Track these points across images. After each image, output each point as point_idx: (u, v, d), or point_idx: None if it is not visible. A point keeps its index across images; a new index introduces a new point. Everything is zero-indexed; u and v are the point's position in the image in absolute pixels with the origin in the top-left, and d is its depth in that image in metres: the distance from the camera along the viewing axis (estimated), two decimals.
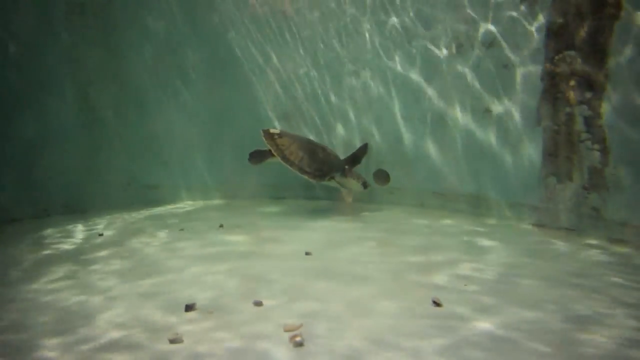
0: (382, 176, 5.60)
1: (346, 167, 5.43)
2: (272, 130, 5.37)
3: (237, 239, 4.61)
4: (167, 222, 5.37)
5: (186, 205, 6.31)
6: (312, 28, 6.00)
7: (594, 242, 4.22)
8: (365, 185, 5.44)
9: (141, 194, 6.28)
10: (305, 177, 5.24)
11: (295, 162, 5.19)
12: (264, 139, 5.29)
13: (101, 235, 4.98)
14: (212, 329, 2.73)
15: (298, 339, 2.55)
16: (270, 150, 5.27)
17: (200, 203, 6.39)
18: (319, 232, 4.84)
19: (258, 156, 5.53)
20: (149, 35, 6.14)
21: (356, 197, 5.65)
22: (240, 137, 6.28)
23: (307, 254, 4.06)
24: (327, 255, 4.04)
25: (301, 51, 6.08)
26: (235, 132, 6.35)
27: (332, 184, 5.48)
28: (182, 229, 5.03)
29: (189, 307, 3.02)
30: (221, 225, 5.09)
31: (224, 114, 6.37)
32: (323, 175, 5.28)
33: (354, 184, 5.51)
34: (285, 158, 5.20)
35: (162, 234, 4.91)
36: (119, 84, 6.08)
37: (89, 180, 5.99)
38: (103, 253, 4.35)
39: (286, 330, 2.68)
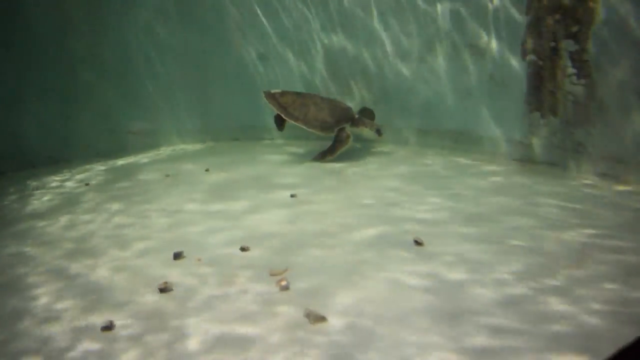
0: (367, 114, 5.56)
1: (356, 116, 5.35)
2: (273, 91, 5.35)
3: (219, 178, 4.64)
4: (154, 167, 5.37)
5: (173, 149, 6.28)
6: None
7: (577, 175, 4.26)
8: (379, 132, 5.35)
9: (126, 141, 6.24)
10: (313, 130, 5.21)
11: (300, 117, 5.17)
12: (266, 100, 5.27)
13: (87, 185, 4.98)
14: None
15: (284, 283, 2.62)
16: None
17: (186, 147, 6.36)
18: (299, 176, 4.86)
19: (279, 120, 5.46)
20: None
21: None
22: (223, 80, 6.19)
23: (292, 196, 4.12)
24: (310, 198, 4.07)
25: None
26: (219, 75, 6.26)
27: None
28: (167, 175, 5.04)
29: (176, 255, 3.08)
30: (207, 169, 5.10)
31: (207, 58, 6.25)
32: (330, 127, 5.22)
33: (366, 132, 5.50)
34: (289, 114, 5.19)
35: (151, 177, 4.92)
36: (97, 31, 5.92)
37: (72, 130, 5.92)
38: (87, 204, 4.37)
39: (272, 275, 2.74)
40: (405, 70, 5.46)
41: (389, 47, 5.49)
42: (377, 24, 5.50)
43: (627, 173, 4.02)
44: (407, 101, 5.51)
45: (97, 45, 5.99)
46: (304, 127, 5.21)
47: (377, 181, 4.45)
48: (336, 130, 5.24)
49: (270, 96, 5.28)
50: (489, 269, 2.68)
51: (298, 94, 5.37)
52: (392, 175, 4.59)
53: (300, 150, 5.76)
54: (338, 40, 5.79)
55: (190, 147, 6.40)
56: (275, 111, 5.28)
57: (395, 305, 2.38)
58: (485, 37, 4.86)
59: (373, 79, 5.67)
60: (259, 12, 6.05)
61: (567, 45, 4.26)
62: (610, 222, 3.29)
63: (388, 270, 2.72)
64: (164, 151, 6.26)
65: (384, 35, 5.49)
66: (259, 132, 6.38)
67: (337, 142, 5.21)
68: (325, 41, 5.86)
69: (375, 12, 5.49)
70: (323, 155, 5.23)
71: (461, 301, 2.39)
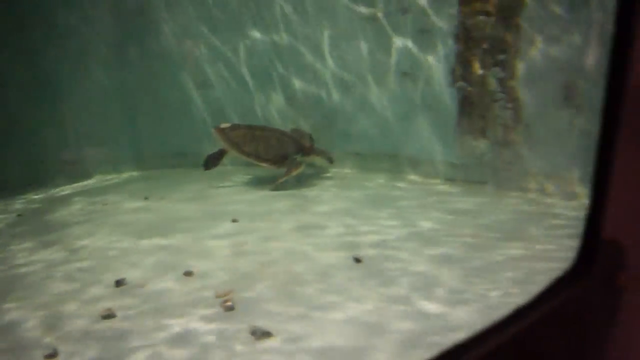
0: (299, 133, 5.56)
1: (307, 145, 5.31)
2: (222, 126, 5.27)
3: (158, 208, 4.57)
4: (89, 197, 5.22)
5: (108, 178, 6.13)
6: None
7: (507, 192, 4.51)
8: (330, 159, 5.37)
9: (60, 170, 6.04)
10: (265, 165, 5.18)
11: (252, 152, 5.13)
12: (217, 136, 5.19)
13: (20, 216, 4.77)
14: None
15: (229, 303, 2.66)
16: (224, 146, 5.21)
17: (121, 175, 6.22)
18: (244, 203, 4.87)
19: (213, 159, 5.37)
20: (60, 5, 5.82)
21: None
22: (159, 107, 6.15)
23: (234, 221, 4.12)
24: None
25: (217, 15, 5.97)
26: (155, 103, 6.21)
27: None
28: (105, 204, 4.91)
29: (118, 283, 3.03)
30: (146, 197, 5.01)
31: (143, 86, 6.19)
32: (283, 160, 5.18)
33: (318, 161, 5.50)
34: (242, 151, 5.13)
35: (85, 208, 4.78)
36: (27, 62, 5.76)
37: (3, 159, 5.67)
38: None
39: (217, 297, 2.77)
40: (344, 98, 5.60)
41: (329, 76, 5.62)
42: (317, 55, 5.64)
43: (554, 187, 4.33)
44: (347, 127, 5.64)
45: (26, 70, 5.80)
46: (255, 162, 5.17)
47: (322, 206, 4.52)
48: (287, 162, 5.17)
49: (221, 132, 5.18)
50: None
51: (249, 127, 5.31)
52: (342, 198, 4.68)
53: (244, 178, 5.76)
54: (277, 67, 5.89)
55: (125, 175, 6.26)
56: (228, 148, 5.20)
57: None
58: (419, 66, 5.08)
59: (315, 106, 5.77)
60: (201, 39, 6.08)
61: (495, 72, 4.54)
62: (527, 233, 3.51)
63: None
64: (96, 181, 6.10)
65: (324, 64, 5.62)
66: (198, 159, 6.33)
67: (289, 168, 5.13)
68: (263, 68, 5.94)
69: (316, 44, 5.62)
70: (275, 187, 5.11)
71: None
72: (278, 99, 5.95)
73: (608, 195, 0.98)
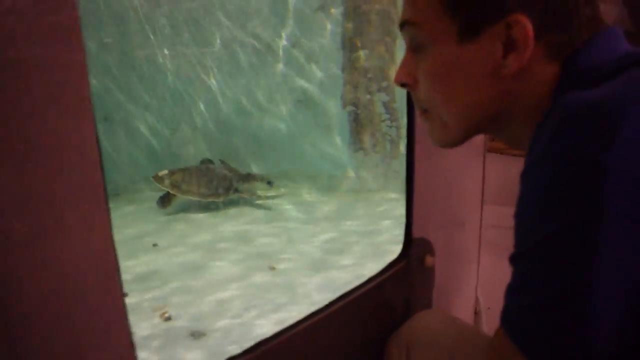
0: (207, 162, 5.90)
1: (243, 173, 5.61)
2: (160, 174, 5.46)
3: None
4: None
5: None
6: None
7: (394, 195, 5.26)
8: (270, 183, 5.65)
9: None
10: (211, 199, 5.43)
11: (195, 190, 5.36)
12: (157, 184, 5.41)
13: None
14: None
15: (167, 314, 3.15)
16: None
17: None
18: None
19: (165, 200, 5.51)
20: None
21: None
22: None
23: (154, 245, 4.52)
24: None
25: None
26: None
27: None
28: None
29: None
30: None
31: None
32: (227, 191, 5.45)
33: (259, 186, 5.75)
34: (183, 191, 5.35)
35: None
36: None
37: None
38: None
39: (155, 310, 3.22)
40: (249, 121, 6.08)
41: (232, 104, 6.07)
42: (216, 83, 6.08)
43: None
44: (251, 151, 6.15)
45: None
46: (202, 200, 5.44)
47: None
48: (232, 191, 5.49)
49: (159, 179, 5.42)
50: None
51: (184, 169, 5.57)
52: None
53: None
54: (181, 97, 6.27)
55: None
56: (170, 192, 5.43)
57: None
58: (312, 92, 5.69)
59: (219, 134, 6.21)
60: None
61: (380, 96, 5.24)
62: None
63: None
64: None
65: (225, 94, 6.06)
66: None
67: (242, 194, 5.52)
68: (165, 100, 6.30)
69: (213, 72, 6.05)
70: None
71: None
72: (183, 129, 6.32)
73: (414, 198, 1.54)
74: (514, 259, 0.76)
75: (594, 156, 0.66)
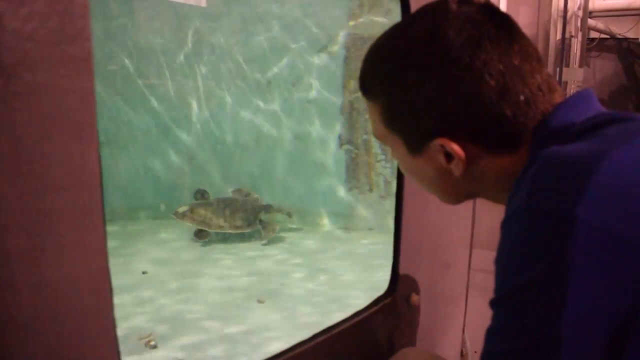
0: (202, 192, 5.91)
1: (265, 204, 5.59)
2: (180, 210, 5.40)
3: None
4: None
5: None
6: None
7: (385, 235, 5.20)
8: (289, 214, 5.62)
9: None
10: (240, 231, 5.39)
11: (223, 223, 5.32)
12: (181, 222, 5.36)
13: None
14: None
15: (152, 342, 3.16)
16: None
17: None
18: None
19: (201, 234, 5.44)
20: None
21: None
22: None
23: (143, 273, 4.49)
24: None
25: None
26: None
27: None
28: None
29: None
30: None
31: None
32: (253, 222, 5.43)
33: (280, 217, 5.71)
34: (212, 225, 5.30)
35: None
36: None
37: None
38: None
39: (140, 339, 3.22)
40: (243, 159, 6.16)
41: (230, 138, 6.14)
42: (217, 117, 6.17)
43: None
44: (248, 181, 6.15)
45: None
46: (230, 232, 5.39)
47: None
48: (257, 222, 5.46)
49: (181, 216, 5.35)
50: None
51: (204, 203, 5.54)
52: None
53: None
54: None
55: None
56: (198, 227, 5.37)
57: None
58: (308, 131, 5.77)
59: (215, 167, 6.25)
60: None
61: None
62: None
63: None
64: None
65: (222, 127, 6.13)
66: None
67: (266, 228, 5.45)
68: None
69: (201, 105, 6.15)
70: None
71: None
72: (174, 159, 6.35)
73: (401, 235, 1.57)
74: (493, 303, 0.80)
75: (563, 211, 0.69)
